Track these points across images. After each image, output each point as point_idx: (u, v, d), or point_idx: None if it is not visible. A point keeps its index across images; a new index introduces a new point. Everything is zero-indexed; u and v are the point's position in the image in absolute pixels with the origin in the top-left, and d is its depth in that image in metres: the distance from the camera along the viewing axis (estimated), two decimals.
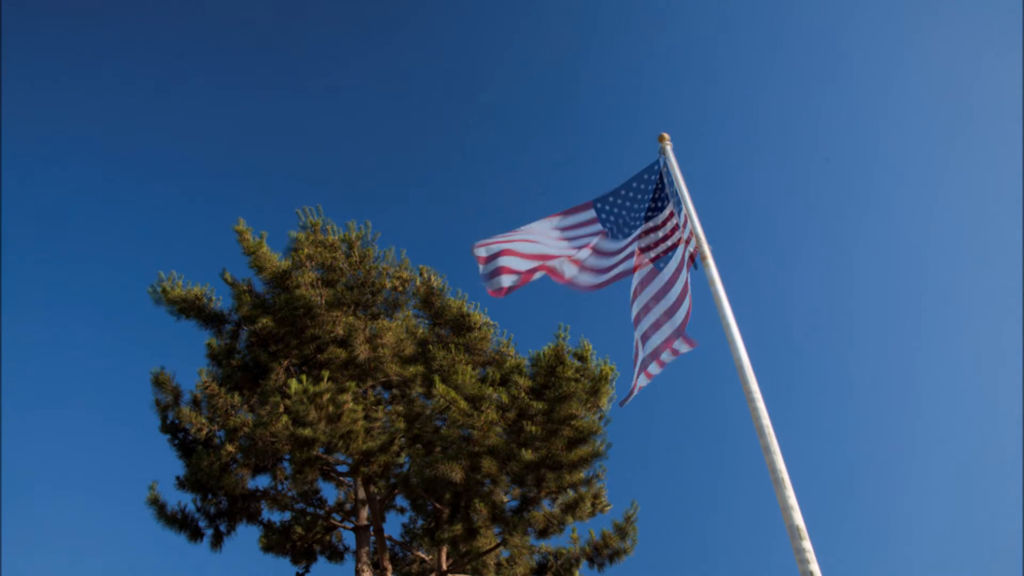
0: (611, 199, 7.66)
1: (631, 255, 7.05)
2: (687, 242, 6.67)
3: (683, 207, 6.80)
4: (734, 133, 39.53)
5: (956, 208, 35.44)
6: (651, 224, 7.16)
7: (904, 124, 36.86)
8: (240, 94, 40.07)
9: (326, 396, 8.76)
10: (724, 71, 39.37)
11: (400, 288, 11.82)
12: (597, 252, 7.25)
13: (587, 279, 7.07)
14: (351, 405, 9.01)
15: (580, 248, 7.26)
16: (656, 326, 6.64)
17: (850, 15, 35.59)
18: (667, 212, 7.10)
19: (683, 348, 6.69)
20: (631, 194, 7.63)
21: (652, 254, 6.88)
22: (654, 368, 6.55)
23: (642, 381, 6.45)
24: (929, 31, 33.72)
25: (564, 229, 7.55)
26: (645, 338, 6.58)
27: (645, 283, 6.84)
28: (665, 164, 7.52)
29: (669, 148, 7.54)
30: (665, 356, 6.64)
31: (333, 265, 11.15)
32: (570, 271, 7.05)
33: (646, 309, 6.70)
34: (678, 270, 6.67)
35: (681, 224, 6.88)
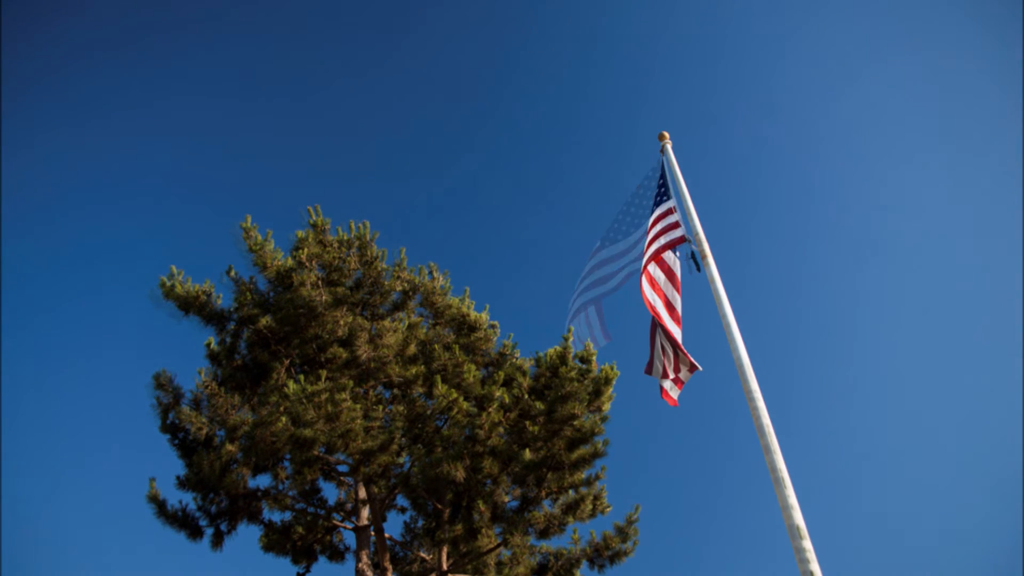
0: (614, 226, 8.10)
1: (639, 256, 7.21)
2: (688, 241, 6.68)
3: (683, 205, 6.81)
4: (734, 132, 39.48)
5: (957, 207, 35.32)
6: (656, 215, 7.26)
7: (905, 123, 36.77)
8: (245, 95, 40.18)
9: (324, 395, 8.76)
10: (724, 70, 39.33)
11: (411, 291, 11.85)
12: (602, 263, 7.73)
13: (604, 289, 7.85)
14: (349, 404, 9.00)
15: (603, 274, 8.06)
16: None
17: (850, 14, 35.52)
18: (667, 207, 7.12)
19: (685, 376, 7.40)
20: (631, 209, 7.86)
21: (663, 241, 7.09)
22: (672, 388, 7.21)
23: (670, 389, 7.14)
24: (929, 30, 33.63)
25: (593, 269, 8.28)
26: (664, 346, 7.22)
27: (657, 276, 7.26)
28: (665, 161, 7.53)
29: (669, 146, 7.54)
30: (681, 376, 7.30)
31: (339, 265, 11.15)
32: (603, 289, 7.92)
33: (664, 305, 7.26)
34: (672, 271, 7.09)
35: (680, 222, 6.91)
